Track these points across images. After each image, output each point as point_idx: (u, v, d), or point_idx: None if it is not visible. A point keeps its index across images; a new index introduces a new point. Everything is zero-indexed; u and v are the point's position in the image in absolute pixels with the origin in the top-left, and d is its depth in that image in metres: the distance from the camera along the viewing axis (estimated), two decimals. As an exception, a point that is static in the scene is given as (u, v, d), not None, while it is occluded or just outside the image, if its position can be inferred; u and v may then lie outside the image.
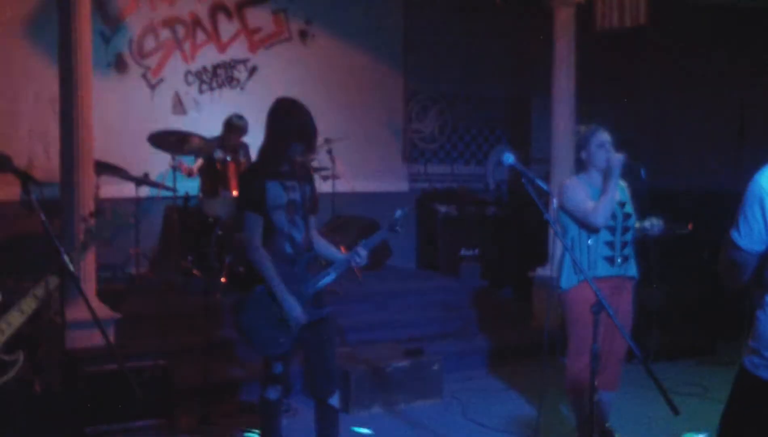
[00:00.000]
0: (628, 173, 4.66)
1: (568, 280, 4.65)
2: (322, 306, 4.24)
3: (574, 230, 4.63)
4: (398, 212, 4.27)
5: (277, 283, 4.03)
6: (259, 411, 4.39)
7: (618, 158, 4.52)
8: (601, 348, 4.57)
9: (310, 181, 4.31)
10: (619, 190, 4.77)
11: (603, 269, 4.60)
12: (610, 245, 4.61)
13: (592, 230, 4.56)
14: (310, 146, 4.20)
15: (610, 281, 4.61)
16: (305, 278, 4.17)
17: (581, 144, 4.68)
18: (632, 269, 4.73)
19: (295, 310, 4.04)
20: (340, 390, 4.51)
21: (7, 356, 3.55)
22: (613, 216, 4.60)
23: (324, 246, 4.33)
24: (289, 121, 4.13)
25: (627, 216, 4.67)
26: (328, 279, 4.21)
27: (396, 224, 4.28)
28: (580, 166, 4.74)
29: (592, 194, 4.60)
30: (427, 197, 9.18)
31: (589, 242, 4.57)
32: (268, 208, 4.08)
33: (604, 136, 4.64)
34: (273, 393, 4.22)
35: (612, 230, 4.61)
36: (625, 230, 4.65)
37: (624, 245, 4.66)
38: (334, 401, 4.24)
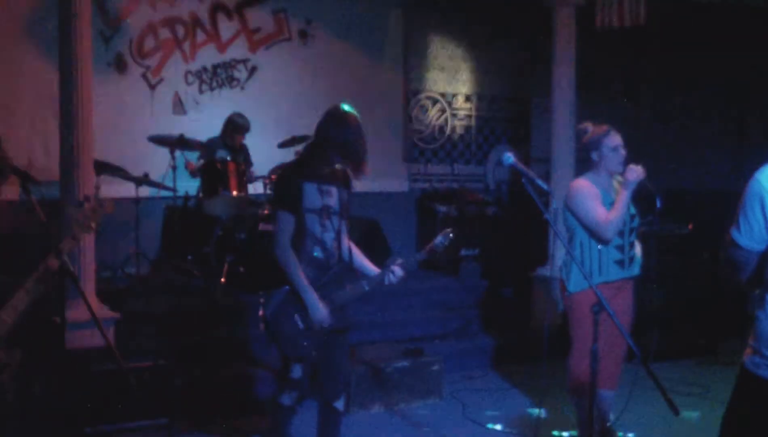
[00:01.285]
0: (641, 196, 4.62)
1: (576, 284, 4.61)
2: (347, 315, 4.19)
3: (582, 233, 4.59)
4: (439, 239, 4.18)
5: (303, 283, 3.96)
6: (270, 413, 4.36)
7: (638, 171, 4.46)
8: (603, 347, 4.58)
9: (348, 186, 4.23)
10: None
11: (615, 273, 4.59)
12: (620, 248, 4.59)
13: (600, 241, 4.53)
14: (355, 168, 4.09)
15: (619, 282, 4.62)
16: (337, 286, 4.10)
17: (592, 145, 4.63)
18: (637, 269, 4.73)
19: (320, 311, 3.98)
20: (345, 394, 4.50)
21: (4, 355, 3.54)
22: None
23: (358, 257, 4.24)
24: (333, 133, 4.02)
25: (632, 217, 4.66)
26: (360, 291, 4.14)
27: (436, 250, 4.19)
28: (589, 165, 4.70)
29: (603, 197, 4.57)
30: (427, 197, 9.18)
31: (599, 246, 4.55)
32: (303, 210, 4.01)
33: (617, 138, 4.60)
34: (287, 399, 4.17)
35: (620, 233, 4.59)
36: (631, 231, 4.65)
37: (631, 245, 4.66)
38: (340, 404, 4.24)
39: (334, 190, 4.11)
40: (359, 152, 4.05)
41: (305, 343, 4.03)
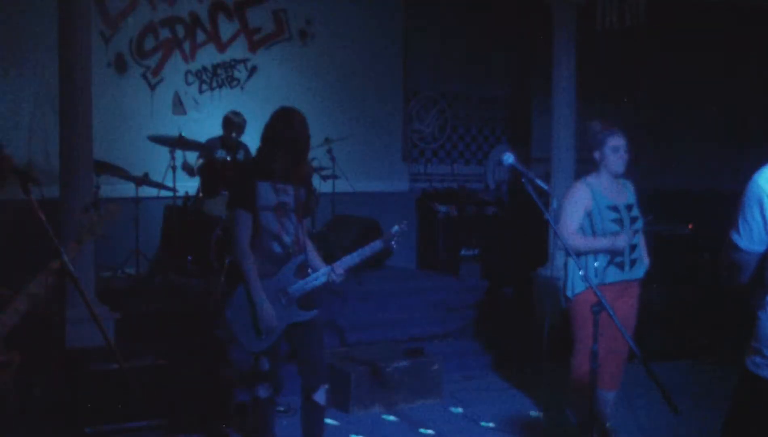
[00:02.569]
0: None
1: (574, 287, 4.61)
2: (311, 308, 4.26)
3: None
4: (395, 228, 4.28)
5: (255, 285, 4.08)
6: (251, 409, 4.42)
7: (624, 242, 4.48)
8: (606, 347, 4.58)
9: (306, 184, 4.33)
10: (627, 191, 4.74)
11: (613, 275, 4.58)
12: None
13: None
14: (296, 162, 4.20)
15: (618, 284, 4.61)
16: (293, 280, 4.21)
17: (595, 144, 4.63)
18: (640, 271, 4.72)
19: (266, 311, 4.09)
20: (331, 389, 4.53)
21: (4, 355, 3.54)
22: (620, 222, 4.57)
23: (310, 251, 4.36)
24: (282, 132, 4.16)
25: (634, 220, 4.64)
26: (315, 283, 4.24)
27: (392, 239, 4.28)
28: (591, 164, 4.70)
29: (594, 201, 4.56)
30: (427, 197, 9.18)
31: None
32: (258, 207, 4.12)
33: (620, 140, 4.60)
34: (263, 391, 4.28)
35: None
36: (633, 233, 4.63)
37: (632, 248, 4.63)
38: (319, 397, 4.28)
39: (290, 188, 4.21)
40: (303, 148, 4.21)
41: (262, 336, 4.14)
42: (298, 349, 4.31)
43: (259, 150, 4.26)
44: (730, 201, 2.93)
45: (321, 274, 4.24)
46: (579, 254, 4.47)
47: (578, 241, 4.49)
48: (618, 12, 7.25)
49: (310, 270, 4.29)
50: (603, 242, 4.50)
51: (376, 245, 4.31)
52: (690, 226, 7.68)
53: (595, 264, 4.53)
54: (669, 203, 4.73)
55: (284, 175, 4.18)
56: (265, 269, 4.14)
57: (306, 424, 4.36)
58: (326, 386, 4.32)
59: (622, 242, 4.49)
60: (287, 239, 4.19)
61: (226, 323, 4.23)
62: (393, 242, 4.31)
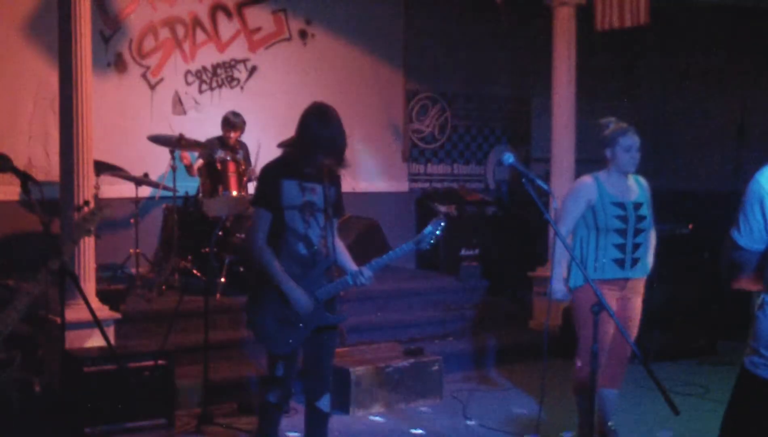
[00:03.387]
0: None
1: (576, 279, 4.62)
2: (335, 313, 4.17)
3: (581, 229, 4.61)
4: (428, 228, 4.05)
5: (281, 276, 3.96)
6: (258, 412, 4.38)
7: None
8: (609, 347, 4.58)
9: (336, 184, 4.18)
10: (639, 189, 4.73)
11: (611, 272, 4.57)
12: (620, 247, 4.57)
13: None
14: (338, 162, 4.06)
15: (619, 282, 4.60)
16: (320, 282, 4.07)
17: (607, 142, 4.62)
18: (643, 270, 4.70)
19: (302, 300, 3.97)
20: (335, 394, 4.49)
21: (4, 355, 3.55)
22: (625, 219, 4.56)
23: (340, 253, 4.20)
24: (320, 132, 3.98)
25: (641, 218, 4.61)
26: (343, 286, 4.10)
27: (424, 240, 4.06)
28: (603, 162, 4.70)
29: (599, 196, 4.56)
30: (427, 197, 9.18)
31: (598, 242, 4.55)
32: (282, 206, 4.00)
33: (633, 139, 4.57)
34: (273, 397, 4.16)
35: (623, 232, 4.56)
36: (638, 232, 4.60)
37: (636, 247, 4.61)
38: (323, 404, 4.19)
39: (318, 187, 4.08)
40: (342, 147, 4.04)
41: (290, 340, 4.04)
42: (311, 353, 4.17)
43: (292, 150, 4.12)
44: (730, 201, 2.94)
45: (349, 277, 4.08)
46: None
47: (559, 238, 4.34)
48: (618, 12, 7.25)
49: (339, 271, 4.17)
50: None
51: (407, 246, 4.11)
52: (690, 226, 7.69)
53: (597, 243, 4.53)
54: (669, 203, 4.73)
55: (314, 174, 4.04)
56: (290, 271, 3.99)
57: (309, 430, 4.28)
58: (329, 393, 4.23)
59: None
60: (315, 240, 4.06)
61: (250, 324, 4.11)
62: (426, 244, 4.08)
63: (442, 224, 4.07)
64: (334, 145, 4.01)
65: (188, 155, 7.37)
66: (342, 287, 4.12)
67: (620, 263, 4.58)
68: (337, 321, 4.18)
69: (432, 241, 4.07)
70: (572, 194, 4.68)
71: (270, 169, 4.17)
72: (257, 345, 5.97)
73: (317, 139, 3.98)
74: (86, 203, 4.44)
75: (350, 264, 4.17)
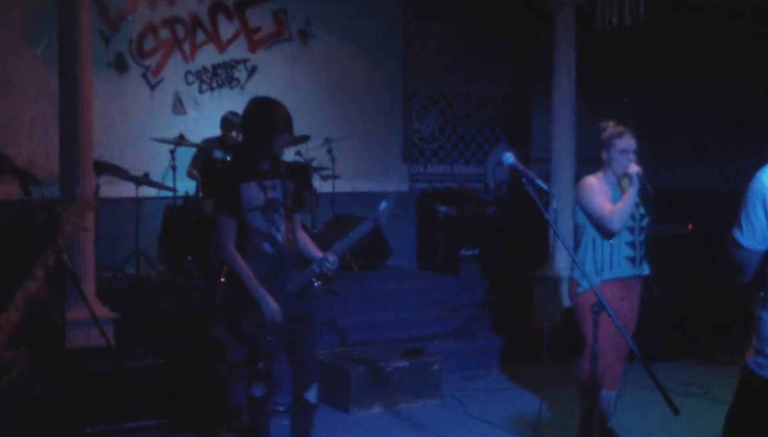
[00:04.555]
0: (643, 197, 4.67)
1: (590, 280, 4.60)
2: (308, 303, 4.23)
3: (593, 230, 4.61)
4: (383, 204, 4.13)
5: (252, 283, 4.04)
6: (246, 408, 4.41)
7: (638, 169, 4.48)
8: (608, 348, 4.58)
9: (293, 178, 4.25)
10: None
11: (627, 270, 4.59)
12: (632, 245, 4.60)
13: (606, 235, 4.53)
14: (292, 134, 4.22)
15: (631, 280, 4.63)
16: (288, 276, 4.16)
17: (604, 144, 4.63)
18: (647, 269, 4.74)
19: (270, 307, 4.05)
20: (331, 389, 4.51)
21: (9, 354, 3.55)
22: (632, 217, 4.59)
23: (304, 245, 4.28)
24: (271, 115, 4.11)
25: (642, 217, 4.67)
26: (311, 275, 4.19)
27: (380, 217, 4.13)
28: (600, 164, 4.70)
29: (613, 194, 4.58)
30: (427, 197, 9.18)
31: (611, 241, 4.55)
32: (244, 210, 4.06)
33: (629, 142, 4.58)
34: (258, 390, 4.24)
35: (631, 230, 4.60)
36: (641, 230, 4.66)
37: (641, 244, 4.66)
38: (310, 396, 4.25)
39: (277, 183, 4.14)
40: (292, 123, 4.15)
41: (269, 338, 4.10)
42: (292, 346, 4.25)
43: (242, 147, 4.25)
44: (730, 201, 2.93)
45: (315, 265, 4.17)
46: (623, 222, 4.41)
47: (617, 213, 4.42)
48: (618, 12, 7.25)
49: (305, 261, 4.24)
50: (631, 191, 4.45)
51: (365, 225, 4.16)
52: (690, 226, 7.69)
53: (611, 242, 4.53)
54: (669, 203, 4.73)
55: (272, 170, 4.13)
56: (259, 270, 4.08)
57: (295, 422, 4.33)
58: (317, 384, 4.27)
59: (633, 167, 4.48)
60: (279, 237, 4.13)
61: (230, 327, 4.21)
62: (382, 220, 4.15)
63: (392, 195, 4.19)
64: (288, 121, 4.12)
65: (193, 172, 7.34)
66: (311, 276, 4.19)
67: (632, 260, 4.62)
68: (309, 311, 4.24)
69: (386, 215, 4.13)
70: (590, 187, 4.60)
71: (226, 174, 4.23)
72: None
73: (270, 120, 4.09)
74: (72, 197, 4.43)
75: (315, 252, 4.24)
